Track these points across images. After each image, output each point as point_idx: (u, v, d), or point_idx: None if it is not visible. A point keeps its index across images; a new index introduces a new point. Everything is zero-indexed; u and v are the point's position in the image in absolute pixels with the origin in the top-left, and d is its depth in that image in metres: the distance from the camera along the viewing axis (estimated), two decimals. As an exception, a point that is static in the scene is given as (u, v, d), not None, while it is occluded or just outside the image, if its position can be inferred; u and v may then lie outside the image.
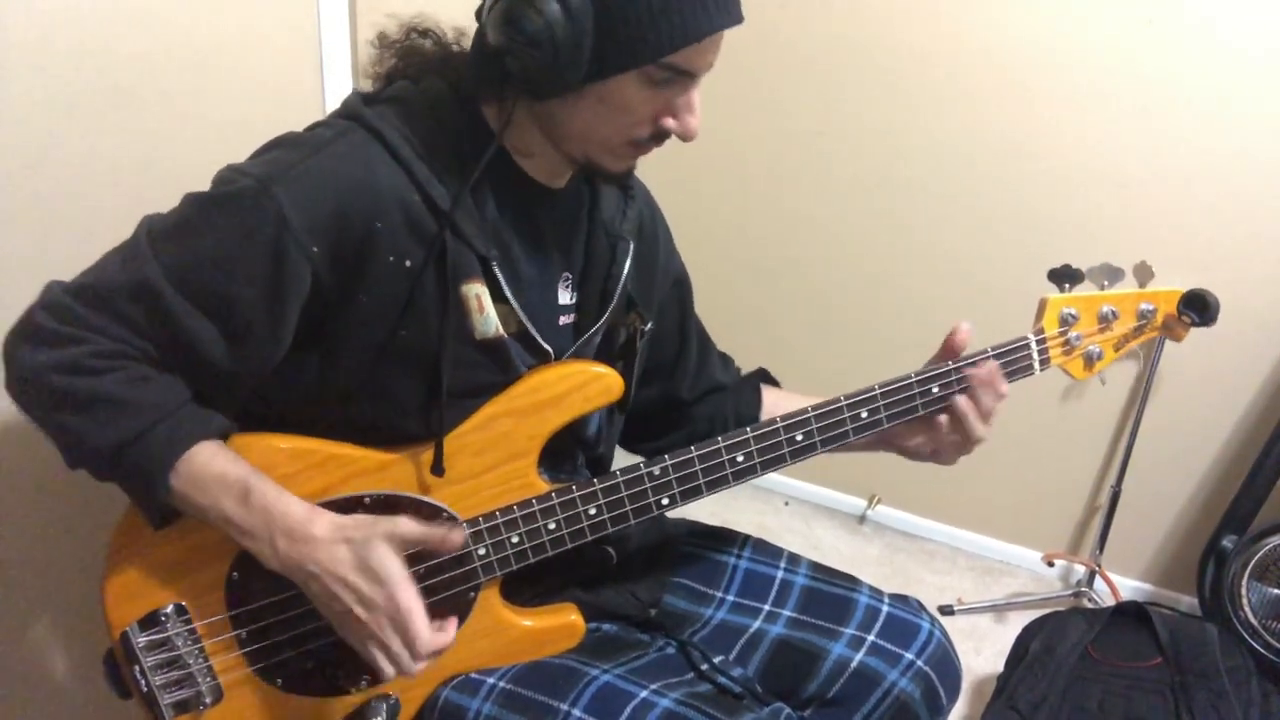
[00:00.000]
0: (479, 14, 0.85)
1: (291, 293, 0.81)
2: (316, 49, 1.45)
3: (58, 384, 0.79)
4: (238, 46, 1.31)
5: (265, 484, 0.82)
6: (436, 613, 0.91)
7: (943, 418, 1.03)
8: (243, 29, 1.32)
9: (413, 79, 0.89)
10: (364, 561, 0.80)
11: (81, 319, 0.79)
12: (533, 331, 0.91)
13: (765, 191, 2.33)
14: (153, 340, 0.81)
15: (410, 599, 0.81)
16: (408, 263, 0.83)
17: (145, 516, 0.84)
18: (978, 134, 2.06)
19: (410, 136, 0.84)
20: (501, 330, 0.88)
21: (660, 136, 0.86)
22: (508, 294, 0.88)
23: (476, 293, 0.86)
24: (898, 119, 2.13)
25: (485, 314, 0.87)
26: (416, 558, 0.88)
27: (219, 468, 0.81)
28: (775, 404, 1.16)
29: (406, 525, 0.84)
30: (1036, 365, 1.05)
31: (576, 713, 0.87)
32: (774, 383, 1.20)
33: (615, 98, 0.82)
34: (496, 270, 0.87)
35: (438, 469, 0.88)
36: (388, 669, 0.82)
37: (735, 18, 0.82)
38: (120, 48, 1.16)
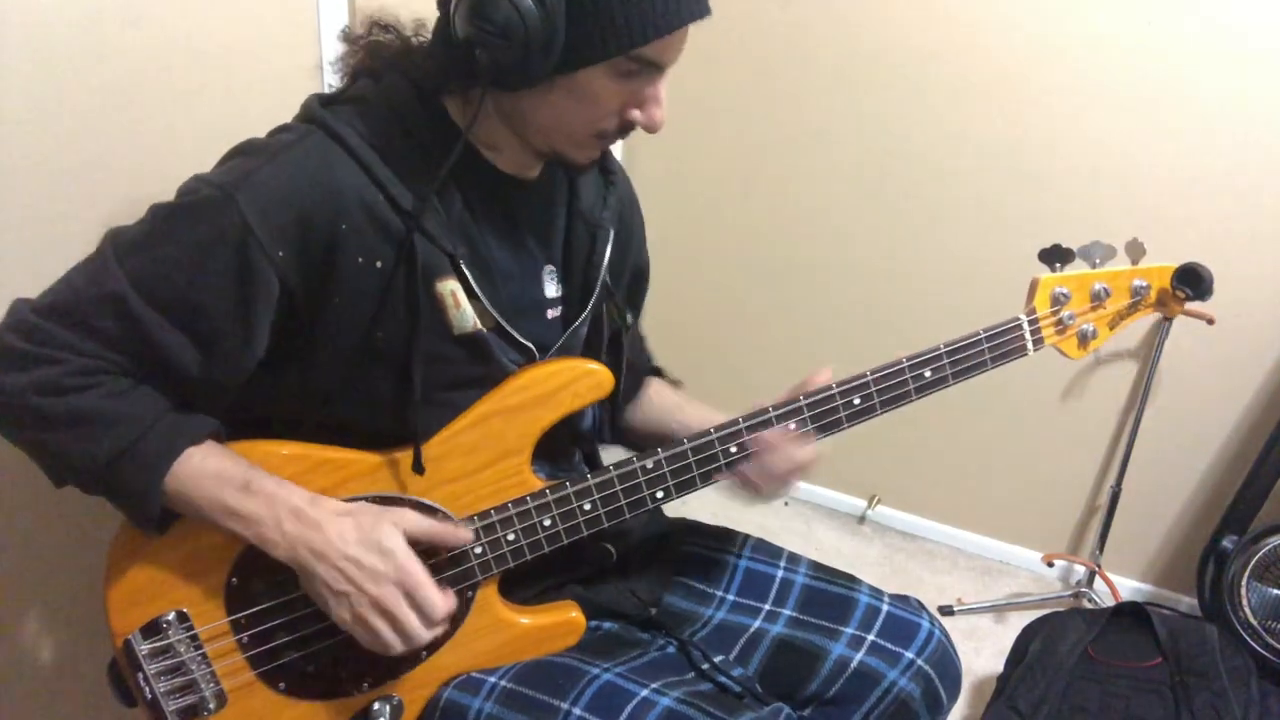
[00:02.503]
0: (442, 3, 0.84)
1: (259, 299, 0.81)
2: (316, 49, 1.45)
3: (38, 405, 0.79)
4: (238, 46, 1.31)
5: (264, 475, 0.84)
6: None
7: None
8: (243, 29, 1.32)
9: (374, 76, 0.89)
10: (370, 537, 0.82)
11: (53, 338, 0.79)
12: (507, 326, 0.92)
13: (763, 188, 2.33)
14: (125, 353, 0.81)
15: (420, 569, 0.83)
16: (378, 264, 0.84)
17: (140, 527, 0.84)
18: (973, 124, 2.05)
19: (370, 136, 0.84)
20: (479, 325, 0.89)
21: (626, 128, 0.87)
22: (477, 290, 0.88)
23: (452, 289, 0.87)
24: (893, 114, 2.13)
25: (461, 310, 0.87)
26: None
27: (214, 466, 0.82)
28: (662, 403, 1.16)
29: (413, 518, 0.86)
30: (1030, 345, 1.04)
31: (577, 711, 0.87)
32: (675, 383, 1.20)
33: (583, 90, 0.82)
34: (464, 267, 0.87)
35: (417, 467, 0.89)
36: (396, 643, 0.83)
37: (704, 9, 0.82)
38: (120, 48, 1.16)
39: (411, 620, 0.83)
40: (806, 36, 2.15)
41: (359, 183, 0.83)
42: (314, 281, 0.83)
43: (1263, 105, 1.80)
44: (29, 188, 1.10)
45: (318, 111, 0.85)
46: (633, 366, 1.13)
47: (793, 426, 0.97)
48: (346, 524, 0.83)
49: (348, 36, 0.92)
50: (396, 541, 0.83)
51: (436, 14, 0.87)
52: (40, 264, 1.10)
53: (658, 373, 1.21)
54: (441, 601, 0.84)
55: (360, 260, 0.83)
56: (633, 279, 1.13)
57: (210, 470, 0.82)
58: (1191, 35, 1.81)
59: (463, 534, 0.89)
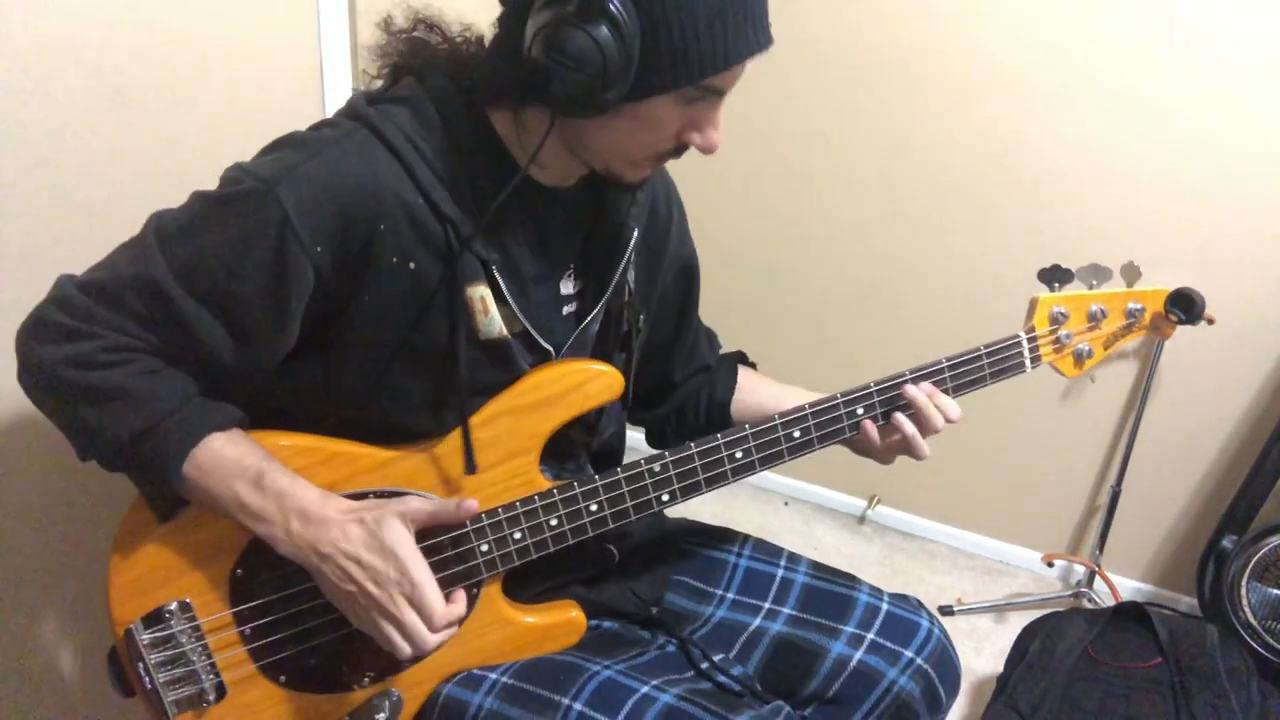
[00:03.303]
0: (505, 19, 0.84)
1: (294, 293, 0.82)
2: (316, 49, 1.45)
3: (70, 378, 0.80)
4: (238, 46, 1.32)
5: (279, 470, 0.84)
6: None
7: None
8: (243, 29, 1.32)
9: (419, 76, 0.89)
10: (376, 538, 0.82)
11: (91, 313, 0.81)
12: (533, 332, 0.92)
13: (766, 191, 2.33)
14: (159, 335, 0.82)
15: (422, 572, 0.83)
16: (411, 265, 0.84)
17: (152, 507, 0.85)
18: (971, 135, 2.06)
19: (414, 138, 0.84)
20: (504, 331, 0.89)
21: (681, 150, 0.87)
22: (508, 296, 0.89)
23: (481, 295, 0.87)
24: (893, 121, 2.13)
25: (490, 316, 0.88)
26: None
27: (233, 454, 0.83)
28: (751, 386, 1.17)
29: (417, 503, 0.86)
30: (1028, 363, 1.07)
31: (578, 707, 0.88)
32: (751, 364, 1.22)
33: (647, 116, 0.82)
34: (496, 274, 0.88)
35: (470, 467, 0.90)
36: (404, 646, 0.83)
37: (770, 39, 0.83)
38: (121, 48, 1.16)
39: (414, 622, 0.82)
40: (805, 37, 2.16)
41: (400, 184, 0.83)
42: (347, 278, 0.83)
43: (1263, 105, 1.80)
44: (29, 188, 1.10)
45: (364, 109, 0.85)
46: (692, 359, 1.17)
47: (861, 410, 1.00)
48: (351, 524, 0.83)
49: (389, 26, 0.91)
50: (402, 540, 0.83)
51: (475, 19, 0.87)
52: (40, 263, 1.11)
53: (741, 358, 1.21)
54: (444, 610, 0.83)
55: (395, 260, 0.83)
56: (679, 275, 1.13)
57: (229, 458, 0.83)
58: (1193, 37, 1.81)
59: (467, 506, 0.88)
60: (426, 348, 0.87)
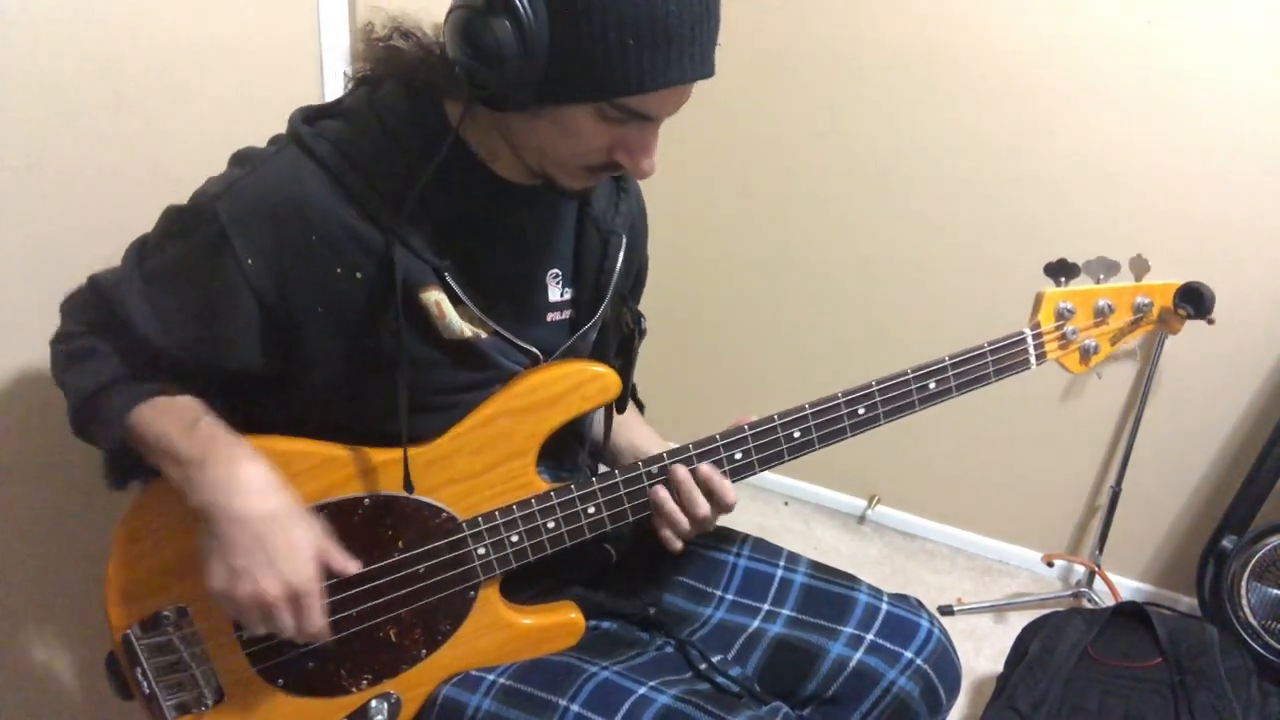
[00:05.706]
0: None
1: (225, 304, 0.84)
2: (316, 49, 1.45)
3: (59, 351, 0.90)
4: (238, 46, 1.32)
5: (218, 423, 0.85)
6: (438, 611, 0.92)
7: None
8: (243, 29, 1.32)
9: (376, 84, 0.89)
10: (288, 530, 0.81)
11: (74, 301, 0.92)
12: (503, 333, 0.92)
13: (766, 191, 2.33)
14: (118, 344, 0.87)
15: (313, 584, 0.82)
16: (358, 274, 0.85)
17: (106, 464, 0.90)
18: (974, 130, 2.06)
19: (348, 150, 0.84)
20: (467, 334, 0.89)
21: (617, 166, 0.85)
22: (465, 299, 0.89)
23: (436, 299, 0.87)
24: (895, 116, 2.13)
25: (446, 319, 0.88)
26: (417, 558, 0.89)
27: (179, 403, 0.86)
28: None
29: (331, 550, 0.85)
30: (1033, 359, 1.05)
31: (575, 708, 0.87)
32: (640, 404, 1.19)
33: (568, 124, 0.80)
34: (449, 280, 0.88)
35: (408, 486, 0.89)
36: (259, 629, 0.83)
37: (699, 73, 0.78)
38: (120, 48, 1.17)
39: (286, 623, 0.82)
40: (803, 34, 2.16)
41: (330, 196, 0.83)
42: (291, 290, 0.84)
43: (1263, 104, 1.80)
44: (29, 188, 1.10)
45: (296, 126, 0.87)
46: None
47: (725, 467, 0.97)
48: (271, 501, 0.82)
49: (368, 35, 0.90)
50: (309, 544, 0.82)
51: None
52: (39, 263, 1.11)
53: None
54: (320, 625, 0.83)
55: (339, 271, 0.84)
56: (634, 279, 1.13)
57: (174, 405, 0.86)
58: (1192, 35, 1.81)
59: (350, 567, 0.87)
60: (388, 355, 0.87)
